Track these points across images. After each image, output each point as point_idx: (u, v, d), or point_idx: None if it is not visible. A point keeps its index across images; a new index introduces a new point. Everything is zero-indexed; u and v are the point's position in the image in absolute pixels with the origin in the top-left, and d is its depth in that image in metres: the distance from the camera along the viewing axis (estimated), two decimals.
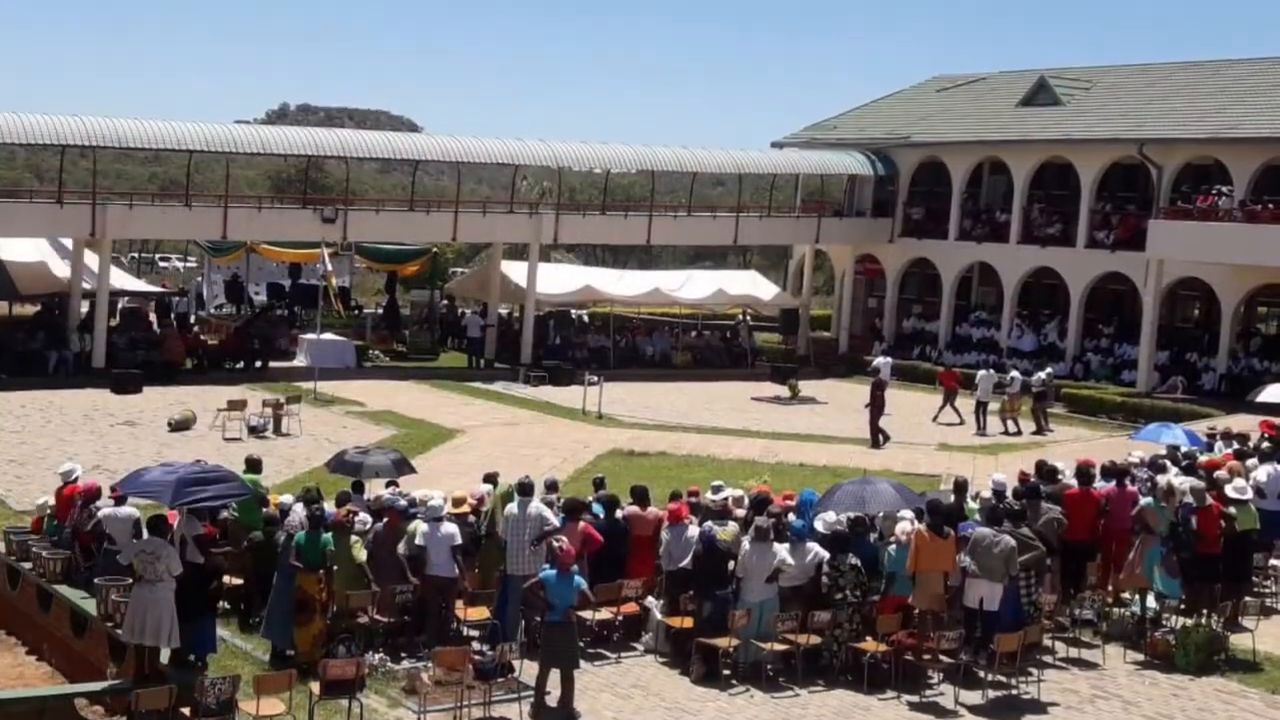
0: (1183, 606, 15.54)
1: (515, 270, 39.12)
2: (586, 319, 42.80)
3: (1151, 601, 15.48)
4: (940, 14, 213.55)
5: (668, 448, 26.41)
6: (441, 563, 13.72)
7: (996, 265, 40.00)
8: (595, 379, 31.21)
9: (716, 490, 15.98)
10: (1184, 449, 20.37)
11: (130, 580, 12.46)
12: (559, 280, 39.97)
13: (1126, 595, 15.90)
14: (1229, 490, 16.38)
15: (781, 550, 13.40)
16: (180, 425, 25.95)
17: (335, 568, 13.26)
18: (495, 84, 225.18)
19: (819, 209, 43.77)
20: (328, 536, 13.23)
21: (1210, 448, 21.52)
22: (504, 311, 40.17)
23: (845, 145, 43.61)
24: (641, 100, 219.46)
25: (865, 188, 43.90)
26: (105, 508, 14.12)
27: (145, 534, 12.78)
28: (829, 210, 43.92)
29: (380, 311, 41.27)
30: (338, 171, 37.04)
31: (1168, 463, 18.71)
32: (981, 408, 30.52)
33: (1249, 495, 16.58)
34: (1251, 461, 19.02)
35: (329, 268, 32.38)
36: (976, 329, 40.73)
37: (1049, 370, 32.85)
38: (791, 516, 14.51)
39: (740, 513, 14.92)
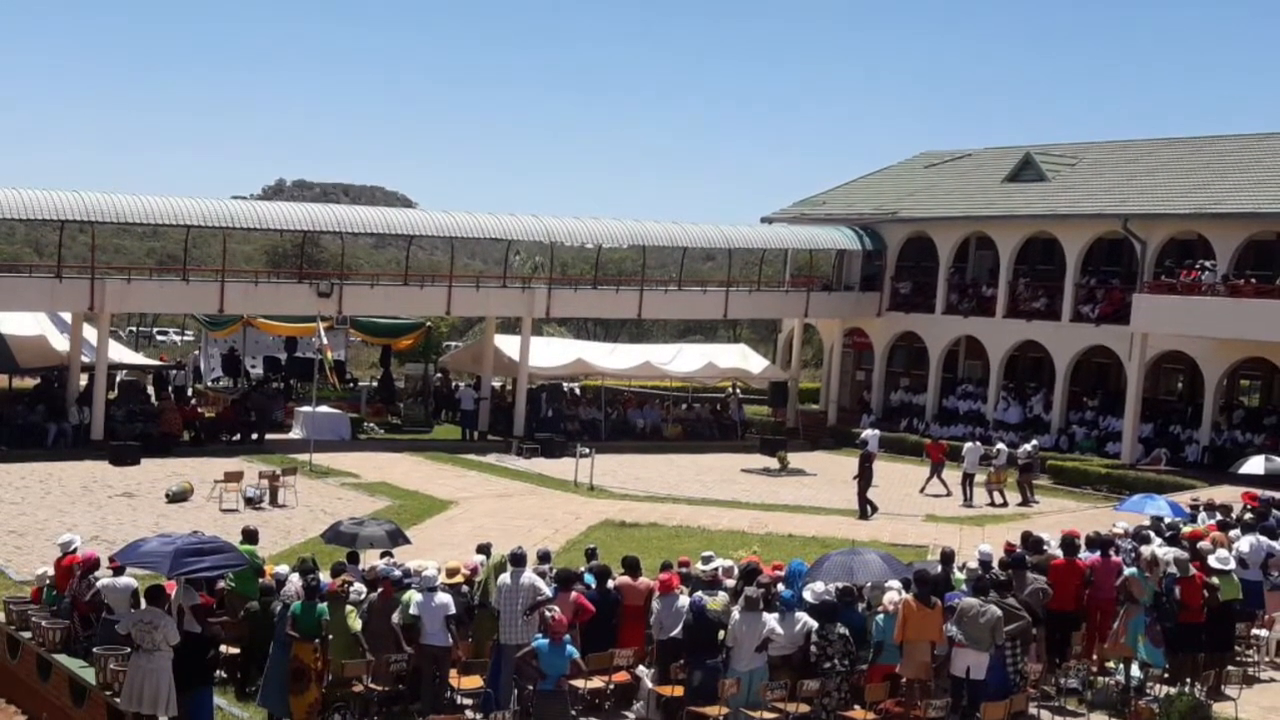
0: (1166, 675, 15.67)
1: (508, 344, 39.48)
2: (578, 392, 43.10)
3: (1136, 670, 15.60)
4: (928, 91, 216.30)
5: (659, 519, 26.56)
6: (436, 632, 13.79)
7: (983, 339, 40.42)
8: (587, 451, 31.41)
9: (707, 561, 15.98)
10: (1168, 520, 20.56)
11: (128, 650, 12.53)
12: (551, 353, 40.35)
13: (1111, 664, 16.02)
14: (1212, 561, 16.57)
15: (771, 620, 13.48)
16: (178, 497, 26.13)
17: (330, 637, 13.33)
18: (488, 160, 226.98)
19: (808, 283, 44.27)
20: (323, 606, 13.31)
21: (1194, 519, 21.72)
22: (497, 384, 40.52)
23: (834, 220, 44.21)
24: (633, 176, 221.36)
25: (853, 262, 44.46)
26: (104, 578, 14.23)
27: (143, 604, 12.86)
28: (818, 284, 44.41)
29: (375, 384, 41.56)
30: (333, 246, 37.43)
31: (1151, 533, 18.90)
32: (968, 479, 30.79)
33: (1232, 566, 16.78)
34: (1234, 532, 19.24)
35: (324, 341, 32.70)
36: (963, 402, 41.08)
37: (1035, 442, 33.19)
38: (780, 587, 14.59)
39: (730, 583, 14.99)
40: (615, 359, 41.33)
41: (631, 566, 15.28)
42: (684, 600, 14.28)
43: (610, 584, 14.98)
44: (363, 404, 38.86)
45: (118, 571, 14.17)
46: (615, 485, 30.82)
